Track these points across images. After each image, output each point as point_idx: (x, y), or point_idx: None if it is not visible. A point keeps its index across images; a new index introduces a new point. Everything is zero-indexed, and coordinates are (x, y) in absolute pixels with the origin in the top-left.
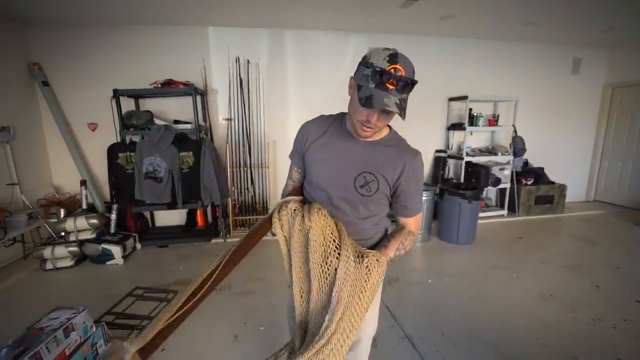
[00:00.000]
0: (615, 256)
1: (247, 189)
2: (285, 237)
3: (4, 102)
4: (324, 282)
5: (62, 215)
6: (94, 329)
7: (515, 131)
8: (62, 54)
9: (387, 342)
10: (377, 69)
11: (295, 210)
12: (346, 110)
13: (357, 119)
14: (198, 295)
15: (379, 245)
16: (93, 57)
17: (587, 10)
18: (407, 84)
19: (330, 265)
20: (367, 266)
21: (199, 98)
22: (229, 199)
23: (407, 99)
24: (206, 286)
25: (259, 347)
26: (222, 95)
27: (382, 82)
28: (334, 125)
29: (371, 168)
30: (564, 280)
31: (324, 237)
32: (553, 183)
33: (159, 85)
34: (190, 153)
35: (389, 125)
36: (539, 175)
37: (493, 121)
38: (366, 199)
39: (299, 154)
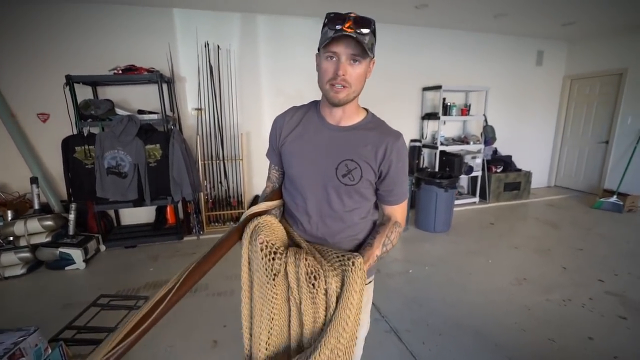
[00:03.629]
0: (578, 238)
1: (220, 182)
2: (250, 271)
3: None
4: (318, 312)
5: (9, 218)
6: (49, 351)
7: (485, 120)
8: (5, 35)
9: (373, 336)
10: (331, 14)
11: (269, 252)
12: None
13: (326, 79)
14: (153, 317)
15: (364, 244)
16: (43, 38)
17: (552, 3)
18: (365, 20)
19: (318, 290)
20: (360, 264)
21: (165, 86)
22: (201, 193)
23: (371, 41)
24: (162, 306)
25: (242, 352)
26: (190, 84)
27: (338, 22)
28: (308, 114)
29: (352, 154)
30: (535, 264)
31: (307, 272)
32: (520, 170)
33: (120, 72)
34: (158, 146)
35: (365, 109)
36: (507, 163)
37: (465, 110)
38: (350, 188)
39: (275, 151)
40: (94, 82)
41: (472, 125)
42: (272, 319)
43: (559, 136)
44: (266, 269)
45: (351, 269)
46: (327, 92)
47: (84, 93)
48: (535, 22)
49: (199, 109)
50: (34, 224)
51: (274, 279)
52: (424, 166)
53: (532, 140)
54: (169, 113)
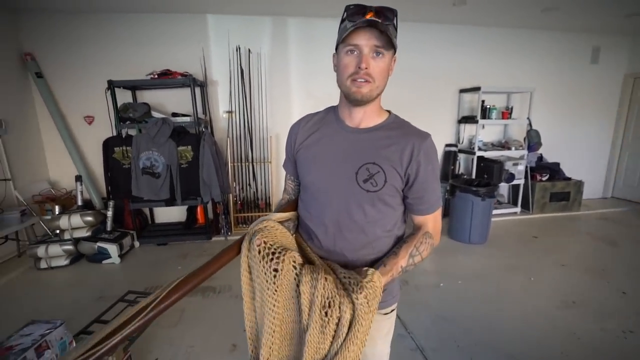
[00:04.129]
0: None
1: (249, 184)
2: (251, 280)
3: None
4: (324, 343)
5: (56, 212)
6: (74, 344)
7: (530, 124)
8: (56, 44)
9: (397, 354)
10: (351, 6)
11: (267, 253)
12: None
13: (347, 75)
14: (125, 331)
15: (388, 253)
16: (88, 47)
17: None
18: (387, 10)
19: (330, 320)
20: (366, 299)
21: (198, 90)
22: (230, 195)
23: (393, 33)
24: (138, 320)
25: None
26: (222, 87)
27: (359, 14)
28: (326, 118)
29: (374, 157)
30: (586, 286)
31: (322, 295)
32: (569, 179)
33: (156, 76)
34: (189, 147)
35: (388, 111)
36: (554, 171)
37: (507, 114)
38: (373, 195)
39: (291, 160)
40: (133, 87)
41: (514, 130)
42: (274, 332)
43: (618, 141)
44: (265, 273)
45: (361, 285)
46: (349, 89)
47: (125, 97)
48: (591, 15)
49: (229, 112)
50: (76, 219)
51: (274, 283)
52: (460, 173)
53: (584, 146)
54: (201, 116)
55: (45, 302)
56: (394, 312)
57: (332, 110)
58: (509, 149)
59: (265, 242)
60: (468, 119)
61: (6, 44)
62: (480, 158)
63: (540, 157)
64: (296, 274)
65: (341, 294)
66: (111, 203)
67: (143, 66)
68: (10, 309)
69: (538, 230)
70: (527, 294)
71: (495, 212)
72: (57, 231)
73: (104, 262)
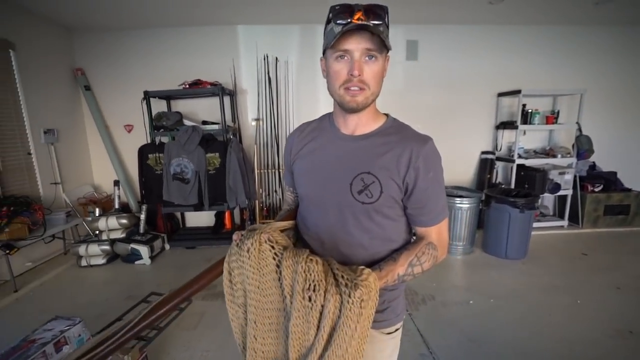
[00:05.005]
0: None
1: (275, 191)
2: (232, 290)
3: (51, 106)
4: (308, 334)
5: (97, 214)
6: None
7: (579, 129)
8: (102, 59)
9: None
10: (337, 7)
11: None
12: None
13: (339, 83)
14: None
15: (386, 258)
16: (127, 60)
17: None
18: (377, 8)
19: (314, 307)
20: (360, 298)
21: (227, 98)
22: (257, 201)
23: (385, 32)
24: (115, 340)
25: None
26: (251, 95)
27: (346, 14)
28: (321, 126)
29: (369, 166)
30: None
31: (305, 279)
32: (629, 190)
33: (187, 86)
34: (217, 154)
35: (386, 114)
36: (609, 181)
37: (552, 118)
38: (369, 207)
39: (289, 171)
40: (167, 96)
41: (560, 135)
42: (255, 322)
43: None
44: (240, 258)
45: (353, 284)
46: (342, 98)
47: (160, 106)
48: None
49: (257, 120)
50: (112, 221)
51: (251, 266)
52: (498, 182)
53: None
54: (230, 123)
55: (82, 298)
56: (399, 332)
57: (328, 117)
58: (555, 156)
59: (242, 234)
60: (507, 125)
61: (61, 61)
62: (520, 166)
63: (593, 166)
64: (275, 254)
65: (329, 282)
66: (144, 207)
67: (177, 77)
68: (53, 302)
69: (588, 247)
70: (573, 319)
71: (537, 225)
72: (97, 232)
73: (136, 262)
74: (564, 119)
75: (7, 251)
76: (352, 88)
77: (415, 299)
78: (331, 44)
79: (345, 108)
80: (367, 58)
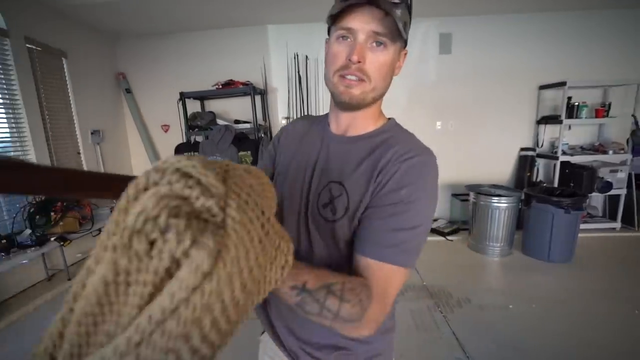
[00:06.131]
0: None
1: None
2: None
3: (96, 109)
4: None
5: None
6: None
7: (636, 122)
8: (141, 63)
9: None
10: None
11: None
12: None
13: (334, 68)
14: None
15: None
16: (164, 63)
17: None
18: None
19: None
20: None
21: (258, 97)
22: None
23: (404, 18)
24: None
25: None
26: (281, 94)
27: None
28: (315, 123)
29: (341, 174)
30: None
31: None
32: None
33: (220, 86)
34: (249, 152)
35: (390, 119)
36: None
37: (602, 111)
38: (332, 226)
39: (270, 155)
40: (201, 97)
41: (612, 130)
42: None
43: None
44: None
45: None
46: (335, 87)
47: (195, 106)
48: None
49: (288, 118)
50: None
51: None
52: (538, 180)
53: None
54: (261, 122)
55: None
56: None
57: (326, 117)
58: (605, 152)
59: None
60: (549, 119)
61: (106, 66)
62: (564, 164)
63: None
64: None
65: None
66: None
67: (210, 78)
68: None
69: None
70: (627, 330)
71: (584, 226)
72: None
73: None
74: (616, 112)
75: (62, 243)
76: (349, 77)
77: (449, 301)
78: (332, 20)
79: (337, 101)
80: (374, 44)
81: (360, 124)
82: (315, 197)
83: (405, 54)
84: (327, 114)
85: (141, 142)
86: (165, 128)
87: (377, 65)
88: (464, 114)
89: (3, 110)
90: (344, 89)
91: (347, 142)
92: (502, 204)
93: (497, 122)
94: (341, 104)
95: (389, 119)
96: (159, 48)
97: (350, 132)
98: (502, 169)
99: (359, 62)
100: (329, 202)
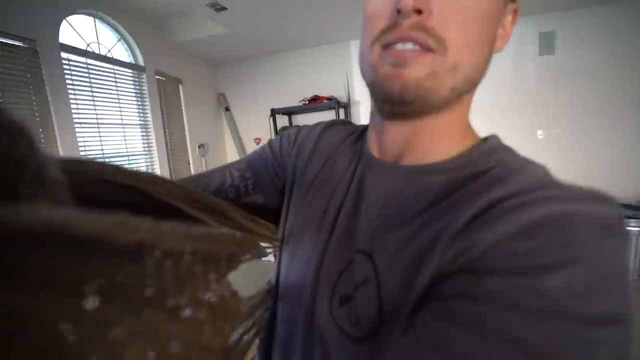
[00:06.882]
0: None
1: None
2: None
3: (202, 125)
4: None
5: None
6: None
7: None
8: (238, 84)
9: None
10: None
11: None
12: None
13: (372, 36)
14: None
15: None
16: (258, 83)
17: None
18: None
19: None
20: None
21: (342, 111)
22: None
23: None
24: None
25: None
26: (364, 106)
27: None
28: (349, 140)
29: (374, 239)
30: None
31: None
32: None
33: (307, 102)
34: None
35: (484, 138)
36: None
37: None
38: (357, 351)
39: (269, 168)
40: (289, 112)
41: None
42: None
43: None
44: None
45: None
46: (374, 70)
47: (283, 121)
48: None
49: None
50: None
51: None
52: None
53: None
54: None
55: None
56: None
57: (362, 134)
58: None
59: None
60: None
61: (210, 88)
62: None
63: None
64: None
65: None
66: None
67: (298, 94)
68: None
69: None
70: None
71: None
72: None
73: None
74: None
75: None
76: (399, 45)
77: None
78: None
79: (379, 97)
80: None
81: (428, 143)
82: (329, 280)
83: (517, 10)
84: (359, 130)
85: (237, 153)
86: (257, 141)
87: (462, 16)
88: (571, 120)
89: (139, 130)
90: (390, 69)
91: (399, 175)
92: (632, 228)
93: (616, 127)
94: (386, 103)
95: (487, 137)
96: (253, 70)
97: (406, 157)
98: (629, 185)
99: (419, 11)
100: (351, 294)
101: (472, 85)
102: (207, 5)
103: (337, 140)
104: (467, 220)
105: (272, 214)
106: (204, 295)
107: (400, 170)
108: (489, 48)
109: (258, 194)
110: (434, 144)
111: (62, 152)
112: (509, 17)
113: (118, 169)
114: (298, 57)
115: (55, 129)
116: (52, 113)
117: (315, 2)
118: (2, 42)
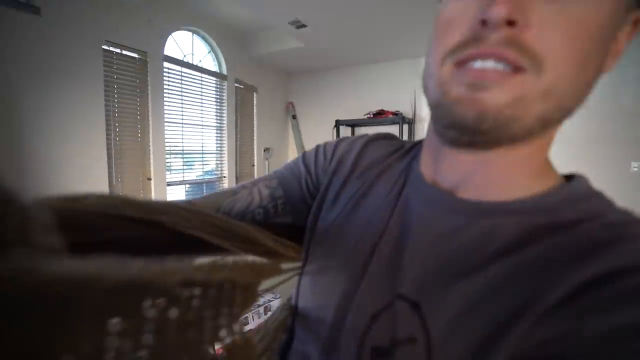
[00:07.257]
0: None
1: None
2: None
3: (270, 130)
4: None
5: None
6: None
7: None
8: (306, 94)
9: None
10: None
11: None
12: None
13: (445, 48)
14: None
15: None
16: (324, 94)
17: None
18: None
19: None
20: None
21: (406, 127)
22: None
23: None
24: None
25: None
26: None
27: None
28: (393, 158)
29: (423, 283)
30: None
31: None
32: None
33: (372, 116)
34: None
35: (579, 179)
36: None
37: None
38: None
39: (300, 180)
40: (353, 124)
41: None
42: None
43: None
44: None
45: None
46: (443, 90)
47: (347, 133)
48: None
49: None
50: None
51: None
52: None
53: None
54: None
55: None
56: None
57: (416, 153)
58: None
59: None
60: None
61: (280, 96)
62: None
63: None
64: None
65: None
66: None
67: (362, 107)
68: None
69: None
70: None
71: None
72: None
73: None
74: None
75: None
76: (479, 63)
77: None
78: None
79: (445, 122)
80: None
81: (496, 178)
82: (358, 322)
83: (638, 20)
84: (409, 148)
85: None
86: None
87: (567, 29)
88: None
89: (214, 131)
90: (465, 91)
91: (456, 211)
92: None
93: None
94: (453, 130)
95: (571, 176)
96: (322, 81)
97: (466, 190)
98: None
99: (511, 22)
100: (388, 349)
101: (565, 114)
102: (289, 22)
103: (381, 156)
104: (568, 293)
105: (300, 234)
106: (209, 349)
107: (457, 205)
108: (595, 69)
109: (287, 214)
110: (503, 179)
111: (153, 147)
112: (627, 29)
113: (127, 201)
114: (366, 71)
115: (150, 127)
116: (150, 114)
117: (391, 19)
118: (123, 53)
